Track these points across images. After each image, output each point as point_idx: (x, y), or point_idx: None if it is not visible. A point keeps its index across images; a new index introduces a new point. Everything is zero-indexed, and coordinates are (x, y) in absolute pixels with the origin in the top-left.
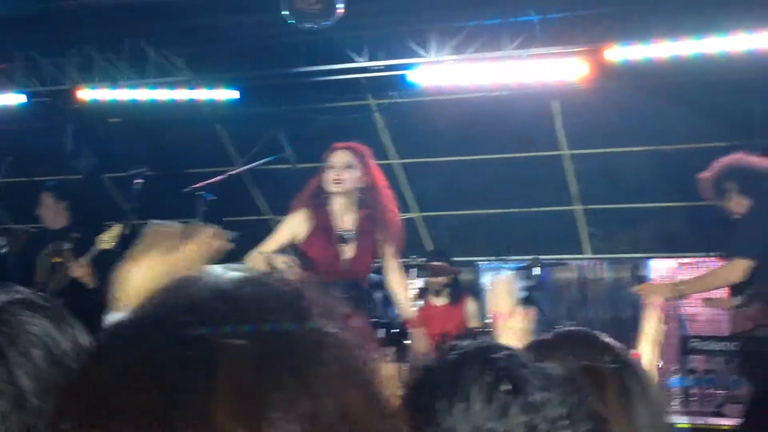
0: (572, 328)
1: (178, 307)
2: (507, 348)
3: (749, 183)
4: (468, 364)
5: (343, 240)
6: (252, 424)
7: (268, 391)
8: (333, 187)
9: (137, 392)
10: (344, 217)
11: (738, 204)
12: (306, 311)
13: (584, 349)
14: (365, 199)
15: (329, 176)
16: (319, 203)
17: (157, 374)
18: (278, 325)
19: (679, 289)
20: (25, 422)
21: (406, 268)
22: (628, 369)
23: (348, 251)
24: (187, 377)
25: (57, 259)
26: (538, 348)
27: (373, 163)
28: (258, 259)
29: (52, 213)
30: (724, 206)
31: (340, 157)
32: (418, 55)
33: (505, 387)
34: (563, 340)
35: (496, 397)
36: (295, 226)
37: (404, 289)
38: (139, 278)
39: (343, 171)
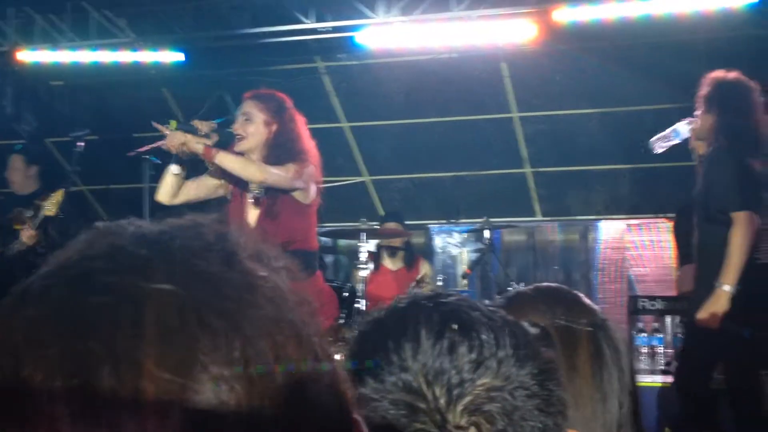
0: (554, 285)
1: (97, 256)
2: (456, 294)
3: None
4: (417, 308)
5: (255, 202)
6: (182, 368)
7: (198, 334)
8: (236, 146)
9: (57, 343)
10: None
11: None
12: (234, 254)
13: (563, 308)
14: (278, 151)
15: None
16: None
17: (78, 324)
18: (206, 268)
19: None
20: None
21: (358, 232)
22: (604, 333)
23: (262, 214)
24: (111, 325)
25: (18, 226)
26: (515, 301)
27: (285, 108)
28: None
29: (22, 177)
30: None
31: (242, 109)
32: (366, 17)
33: (453, 327)
34: (543, 296)
35: (445, 336)
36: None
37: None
38: None
39: (243, 124)
